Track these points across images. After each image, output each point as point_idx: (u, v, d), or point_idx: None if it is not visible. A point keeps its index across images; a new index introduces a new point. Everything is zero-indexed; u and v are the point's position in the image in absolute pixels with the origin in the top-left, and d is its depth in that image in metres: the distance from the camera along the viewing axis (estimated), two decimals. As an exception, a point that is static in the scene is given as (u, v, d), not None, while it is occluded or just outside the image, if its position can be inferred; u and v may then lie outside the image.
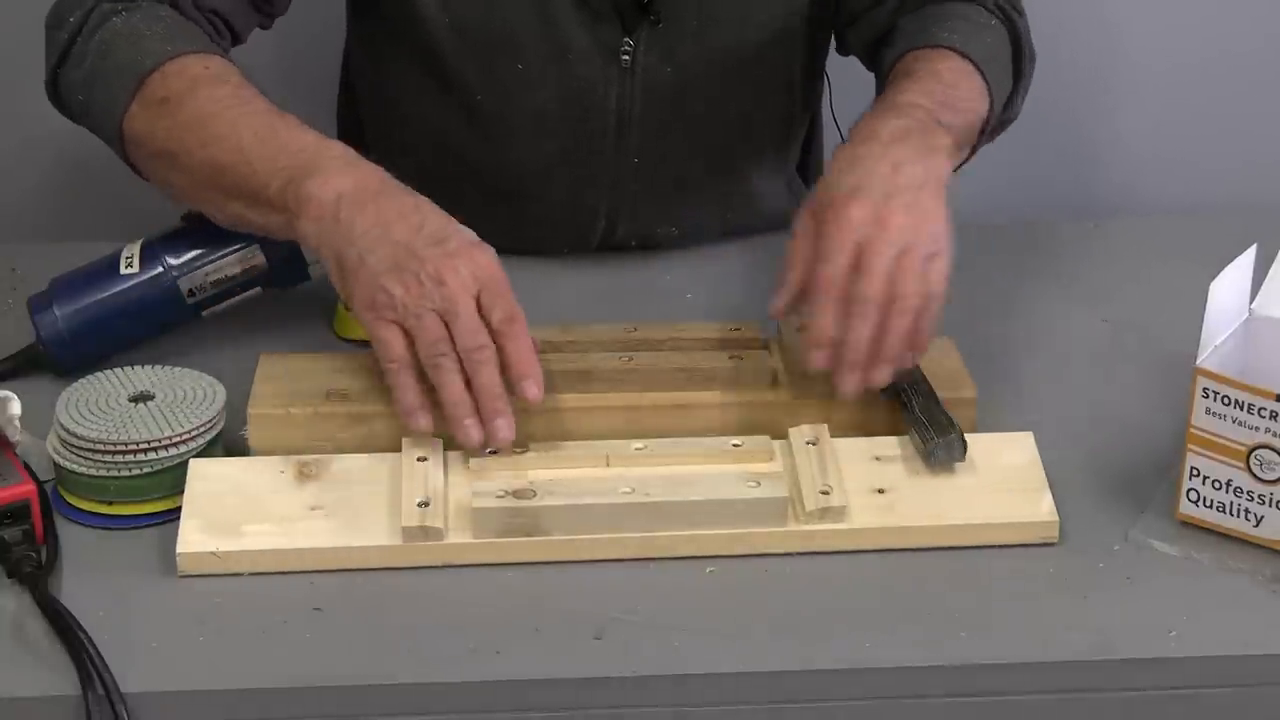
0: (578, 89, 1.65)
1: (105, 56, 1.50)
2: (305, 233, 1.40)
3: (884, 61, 1.62)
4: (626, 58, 1.64)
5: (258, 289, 1.54)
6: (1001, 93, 1.60)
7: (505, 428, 1.35)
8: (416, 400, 1.36)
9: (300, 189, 1.39)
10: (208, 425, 1.39)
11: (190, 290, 1.52)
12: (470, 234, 1.40)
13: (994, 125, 1.62)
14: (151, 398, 1.40)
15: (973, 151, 1.60)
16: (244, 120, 1.44)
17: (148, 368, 1.43)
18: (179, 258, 1.52)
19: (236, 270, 1.52)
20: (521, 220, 1.70)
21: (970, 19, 1.62)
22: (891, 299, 1.38)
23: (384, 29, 1.68)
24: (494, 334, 1.36)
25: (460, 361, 1.35)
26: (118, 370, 1.43)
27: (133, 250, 1.53)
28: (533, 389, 1.36)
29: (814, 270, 1.39)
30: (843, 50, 1.74)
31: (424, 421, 1.36)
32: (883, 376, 1.39)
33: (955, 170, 1.54)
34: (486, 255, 1.38)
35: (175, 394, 1.41)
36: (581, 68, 1.64)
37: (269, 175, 1.41)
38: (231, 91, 1.46)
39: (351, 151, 1.43)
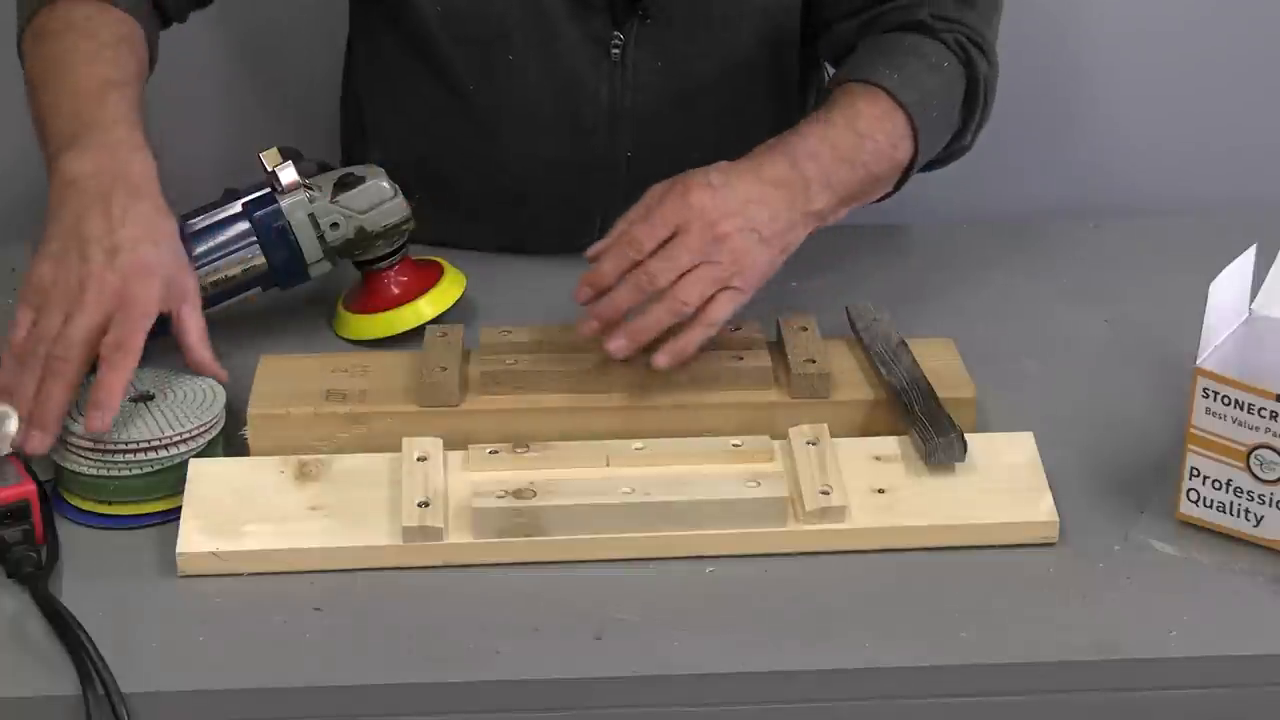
0: (569, 82, 1.65)
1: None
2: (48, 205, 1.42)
3: (826, 85, 1.61)
4: (616, 52, 1.64)
5: (258, 289, 1.54)
6: (937, 135, 1.59)
7: (38, 439, 1.34)
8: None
9: (54, 162, 1.42)
10: (207, 426, 1.39)
11: (190, 290, 1.52)
12: (154, 258, 1.39)
13: (935, 160, 1.61)
14: (151, 398, 1.40)
15: (899, 185, 1.58)
16: (75, 79, 1.46)
17: (148, 368, 1.43)
18: (178, 258, 1.52)
19: (236, 270, 1.52)
20: (518, 215, 1.70)
21: (923, 56, 1.59)
22: (669, 291, 1.41)
23: (380, 20, 1.69)
24: (100, 357, 1.36)
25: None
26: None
27: (132, 250, 1.52)
28: (94, 419, 1.34)
29: (632, 226, 1.44)
30: (820, 54, 1.74)
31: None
32: (615, 346, 1.41)
33: (883, 199, 1.57)
34: (143, 285, 1.37)
35: (175, 394, 1.41)
36: (572, 61, 1.64)
37: (54, 138, 1.44)
38: (89, 47, 1.48)
39: (131, 138, 1.43)
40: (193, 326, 1.42)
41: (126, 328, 1.36)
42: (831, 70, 1.72)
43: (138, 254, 1.38)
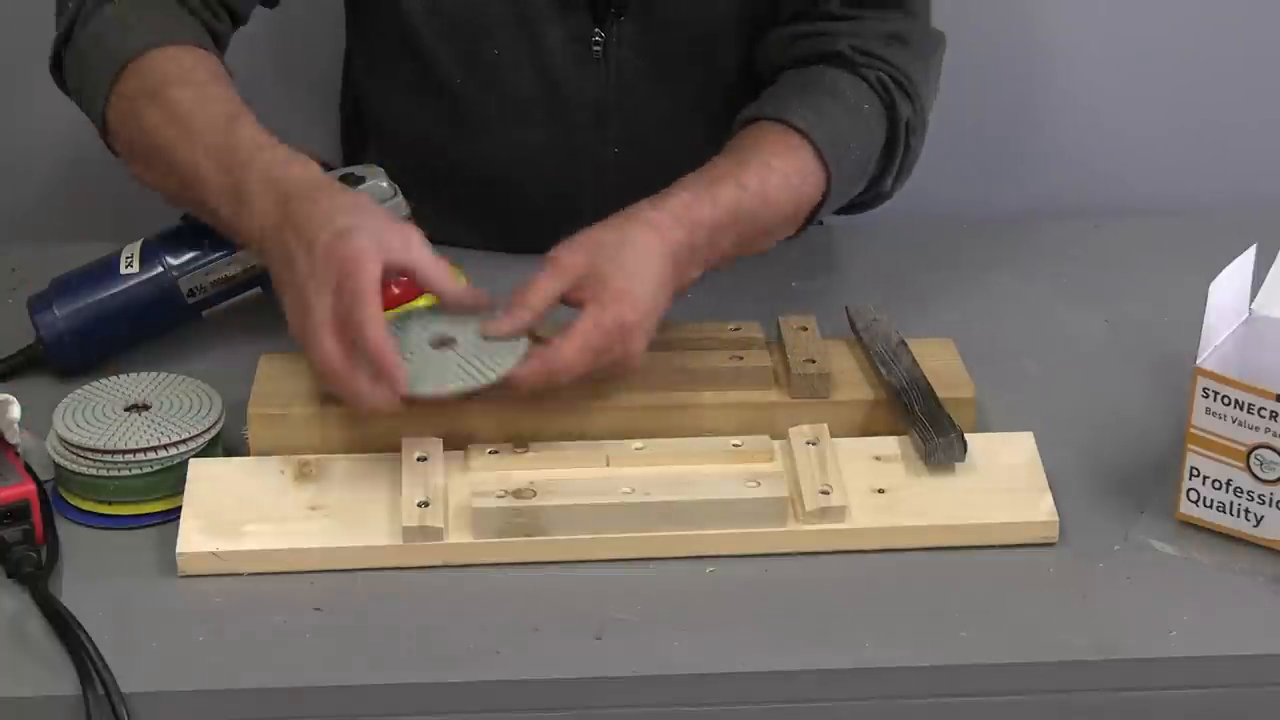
0: (553, 79, 1.65)
1: (95, 45, 1.50)
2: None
3: (741, 114, 1.57)
4: (598, 49, 1.64)
5: (258, 289, 1.54)
6: (850, 178, 1.56)
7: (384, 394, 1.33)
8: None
9: (239, 223, 1.40)
10: (201, 435, 1.38)
11: (190, 290, 1.52)
12: (348, 223, 1.34)
13: (853, 204, 1.59)
14: (148, 408, 1.40)
15: (808, 222, 1.56)
16: (197, 134, 1.43)
17: (146, 375, 1.43)
18: (179, 258, 1.52)
19: (236, 270, 1.52)
20: (509, 213, 1.71)
21: (842, 98, 1.56)
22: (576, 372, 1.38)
23: (373, 21, 1.69)
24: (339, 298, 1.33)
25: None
26: (116, 378, 1.43)
27: (133, 250, 1.53)
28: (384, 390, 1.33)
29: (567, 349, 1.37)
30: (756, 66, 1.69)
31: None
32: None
33: (794, 236, 1.55)
34: (345, 243, 1.33)
35: (171, 404, 1.41)
36: (555, 58, 1.65)
37: (217, 201, 1.41)
38: (194, 94, 1.45)
39: (273, 154, 1.40)
40: (432, 270, 1.36)
41: (345, 292, 1.31)
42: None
43: (335, 227, 1.34)
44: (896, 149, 1.60)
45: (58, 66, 1.55)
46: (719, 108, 1.69)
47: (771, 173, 1.50)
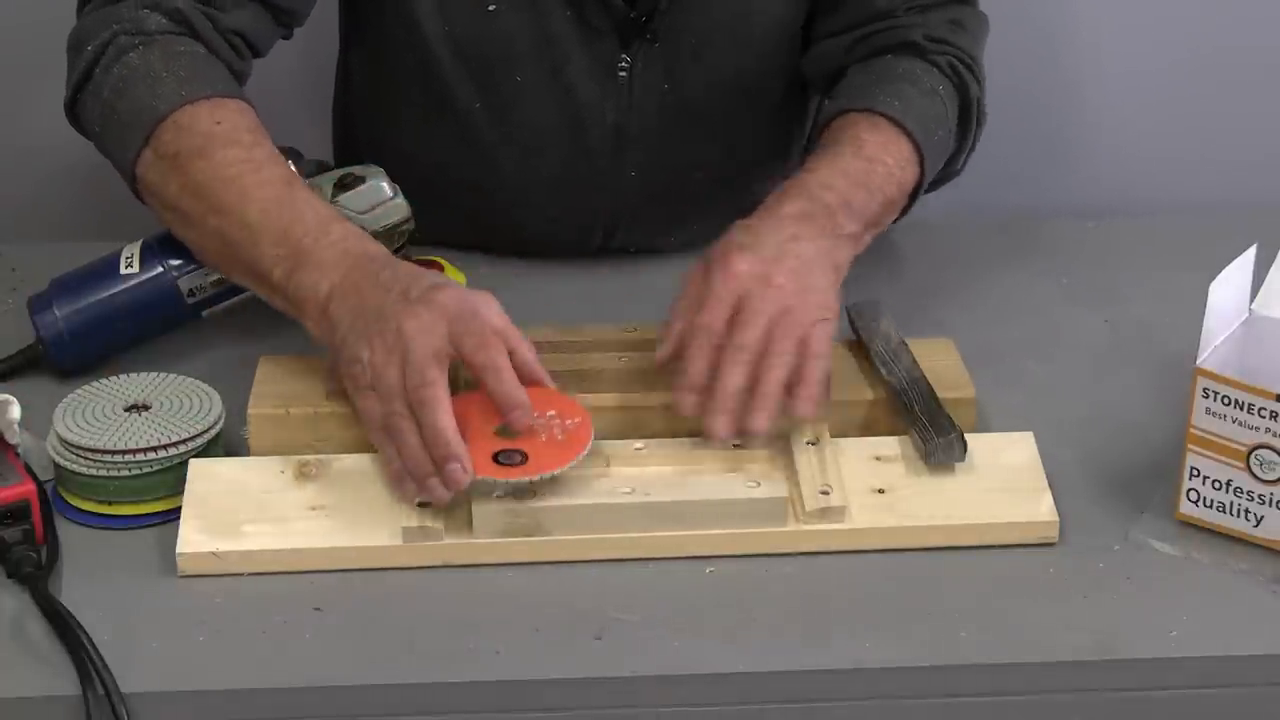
0: (575, 104, 1.64)
1: (121, 95, 1.48)
2: (308, 330, 1.40)
3: (822, 113, 1.60)
4: (624, 74, 1.64)
5: (257, 289, 1.54)
6: (938, 159, 1.59)
7: (456, 472, 1.30)
8: (398, 469, 1.33)
9: (296, 283, 1.39)
10: (203, 433, 1.38)
11: (190, 290, 1.52)
12: (438, 277, 1.37)
13: (931, 184, 1.61)
14: (148, 408, 1.40)
15: (904, 211, 1.58)
16: (252, 192, 1.42)
17: (146, 375, 1.43)
18: (179, 258, 1.52)
19: (236, 270, 1.52)
20: (519, 228, 1.70)
21: (919, 83, 1.59)
22: (767, 351, 1.37)
23: (381, 39, 1.67)
24: (469, 366, 1.34)
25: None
26: (116, 378, 1.43)
27: (133, 250, 1.53)
28: (518, 418, 1.33)
29: (694, 318, 1.39)
30: (804, 71, 1.71)
31: (409, 489, 1.33)
32: (758, 424, 1.36)
33: (897, 220, 1.57)
34: (444, 293, 1.34)
35: (171, 404, 1.41)
36: (579, 83, 1.64)
37: (272, 261, 1.40)
38: (242, 155, 1.44)
39: (349, 229, 1.41)
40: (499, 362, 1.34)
41: (472, 332, 1.32)
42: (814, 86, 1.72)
43: (424, 281, 1.35)
44: (969, 127, 1.63)
45: (72, 110, 1.53)
46: (739, 128, 1.69)
47: (863, 143, 1.53)
